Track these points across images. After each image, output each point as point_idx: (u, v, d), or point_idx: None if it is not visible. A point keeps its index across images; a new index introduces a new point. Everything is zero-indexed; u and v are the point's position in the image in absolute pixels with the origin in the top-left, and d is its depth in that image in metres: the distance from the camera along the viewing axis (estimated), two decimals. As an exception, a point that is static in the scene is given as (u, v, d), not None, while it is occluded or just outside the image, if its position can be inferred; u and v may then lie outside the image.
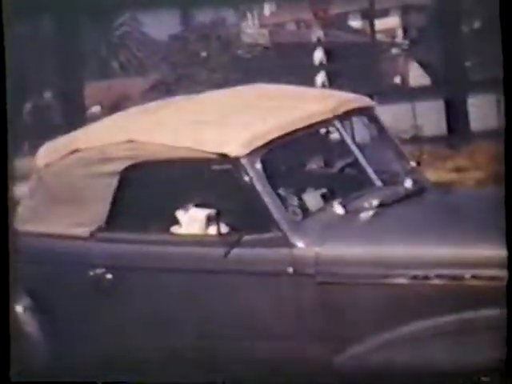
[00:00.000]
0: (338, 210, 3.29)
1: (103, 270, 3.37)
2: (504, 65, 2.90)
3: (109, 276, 3.37)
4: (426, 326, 2.95)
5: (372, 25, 5.78)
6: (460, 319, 2.91)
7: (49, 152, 3.66)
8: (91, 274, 3.39)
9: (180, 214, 3.36)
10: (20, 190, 3.76)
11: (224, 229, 3.26)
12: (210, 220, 3.27)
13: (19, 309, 3.50)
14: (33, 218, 3.59)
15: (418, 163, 3.62)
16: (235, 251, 3.19)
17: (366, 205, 3.29)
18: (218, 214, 3.24)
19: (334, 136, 3.55)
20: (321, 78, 5.59)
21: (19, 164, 4.00)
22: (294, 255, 3.11)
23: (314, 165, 3.76)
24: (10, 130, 3.40)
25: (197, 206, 3.36)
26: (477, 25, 5.86)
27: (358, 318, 3.03)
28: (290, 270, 3.11)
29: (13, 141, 3.43)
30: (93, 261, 3.40)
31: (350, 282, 3.05)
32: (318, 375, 3.07)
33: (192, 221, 3.32)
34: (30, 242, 3.55)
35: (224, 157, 3.24)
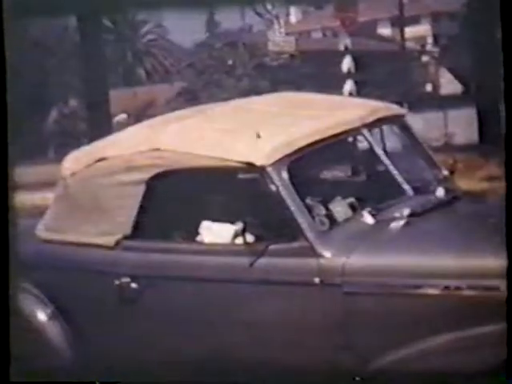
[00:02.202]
0: (368, 219, 3.24)
1: (128, 279, 3.35)
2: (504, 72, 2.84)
3: (134, 285, 3.35)
4: (456, 337, 2.89)
5: (402, 32, 5.71)
6: (488, 332, 2.85)
7: (75, 160, 3.66)
8: (116, 283, 3.37)
9: (205, 228, 3.33)
10: (46, 197, 3.77)
11: (250, 238, 3.23)
12: (236, 235, 3.25)
13: (43, 316, 3.50)
14: (58, 227, 3.59)
15: (452, 172, 3.56)
16: (261, 261, 3.15)
17: (397, 214, 3.24)
18: (245, 226, 3.20)
19: (363, 145, 3.50)
20: (349, 86, 5.54)
21: (45, 171, 4.01)
22: (321, 265, 3.07)
23: (342, 174, 3.72)
24: (11, 137, 3.41)
25: (222, 215, 3.33)
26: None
27: (385, 328, 2.97)
28: (317, 280, 3.07)
29: (14, 148, 3.44)
30: (118, 270, 3.39)
31: (378, 292, 3.00)
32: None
33: (218, 236, 3.29)
34: (55, 250, 3.55)
35: (250, 166, 3.21)
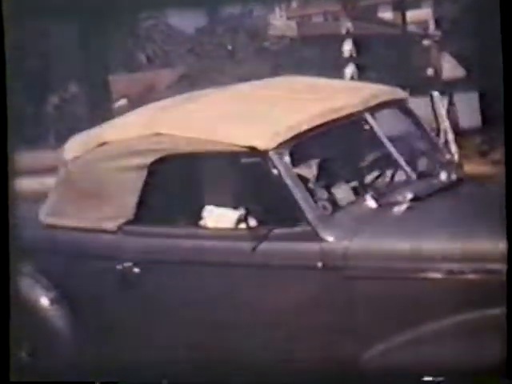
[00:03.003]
0: (371, 203, 3.24)
1: (130, 263, 3.36)
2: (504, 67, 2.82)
3: (136, 270, 3.35)
4: (457, 321, 2.90)
5: (403, 16, 5.68)
6: (494, 315, 2.86)
7: (76, 145, 3.65)
8: (119, 267, 3.37)
9: (208, 212, 3.33)
10: (47, 182, 3.76)
11: (253, 223, 3.23)
12: (239, 221, 3.25)
13: (45, 301, 3.51)
14: (60, 212, 3.58)
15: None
16: (264, 245, 3.16)
17: (400, 198, 3.24)
18: (247, 211, 3.20)
19: (366, 128, 3.49)
20: (350, 70, 5.53)
21: (46, 157, 4.00)
22: (324, 249, 3.08)
23: (345, 158, 3.71)
24: (11, 123, 3.41)
25: (225, 200, 3.33)
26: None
27: (387, 312, 2.97)
28: (320, 264, 3.07)
29: (14, 134, 3.44)
30: (120, 255, 3.39)
31: (380, 275, 3.00)
32: (345, 369, 3.04)
33: (221, 221, 3.29)
34: (57, 235, 3.55)
35: (252, 150, 3.20)
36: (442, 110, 3.63)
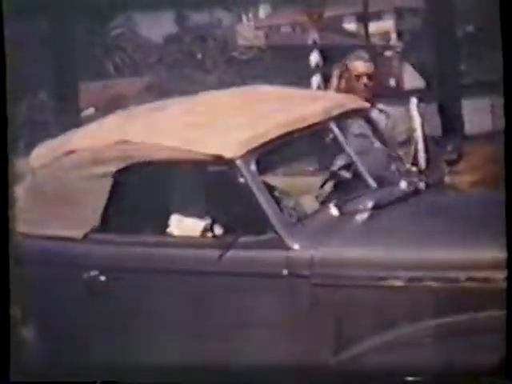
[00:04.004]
0: (334, 211, 3.28)
1: (97, 272, 3.36)
2: (504, 67, 2.89)
3: (102, 278, 3.35)
4: (422, 328, 2.95)
5: (366, 28, 5.79)
6: (456, 321, 2.91)
7: (43, 153, 3.65)
8: (85, 276, 3.37)
9: (175, 220, 3.35)
10: (15, 190, 3.74)
11: (219, 230, 3.25)
12: (205, 229, 3.27)
13: (16, 311, 3.48)
14: (27, 220, 3.57)
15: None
16: (230, 253, 3.18)
17: (361, 207, 3.28)
18: (214, 219, 3.23)
19: (329, 138, 3.55)
20: (316, 80, 5.60)
21: (14, 164, 3.98)
22: (289, 257, 3.10)
23: (310, 167, 3.76)
24: (10, 130, 3.39)
25: (191, 208, 3.35)
26: (470, 28, 5.86)
27: (354, 320, 3.02)
28: (285, 272, 3.10)
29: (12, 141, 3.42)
30: (86, 263, 3.39)
31: (346, 283, 3.04)
32: (314, 376, 3.06)
33: (187, 229, 3.31)
34: (23, 244, 3.53)
35: (219, 158, 3.23)
36: (418, 118, 3.69)
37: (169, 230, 3.38)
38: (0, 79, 3.36)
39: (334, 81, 3.97)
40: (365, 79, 3.94)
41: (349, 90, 3.93)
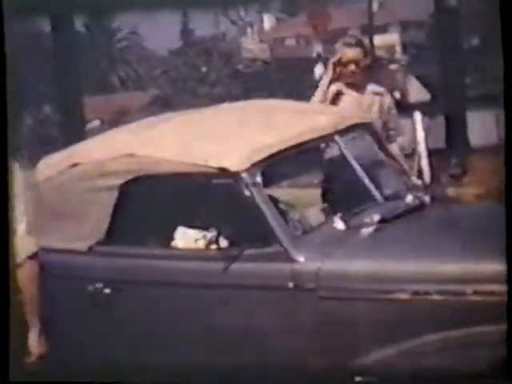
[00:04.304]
0: (339, 225, 3.28)
1: (101, 284, 3.36)
2: (504, 80, 2.91)
3: (107, 290, 3.35)
4: (427, 341, 2.94)
5: (371, 40, 5.80)
6: (461, 334, 2.90)
7: (48, 166, 3.65)
8: (90, 288, 3.37)
9: (180, 233, 3.35)
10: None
11: (224, 243, 3.25)
12: (210, 242, 3.27)
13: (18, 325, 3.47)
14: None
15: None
16: (235, 265, 3.17)
17: (367, 220, 3.29)
18: (219, 232, 3.22)
19: (335, 151, 3.55)
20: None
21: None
22: (295, 270, 3.10)
23: (315, 179, 3.76)
24: (11, 140, 3.39)
25: (197, 220, 3.35)
26: (475, 41, 5.89)
27: (359, 332, 3.01)
28: (291, 284, 3.09)
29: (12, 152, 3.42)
30: (91, 275, 3.39)
31: (351, 296, 3.04)
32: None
33: (192, 242, 3.31)
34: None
35: (224, 171, 3.23)
36: (422, 132, 3.70)
37: (174, 242, 3.38)
38: (0, 82, 3.36)
39: (330, 69, 3.98)
40: (352, 66, 3.95)
41: (338, 76, 3.95)
